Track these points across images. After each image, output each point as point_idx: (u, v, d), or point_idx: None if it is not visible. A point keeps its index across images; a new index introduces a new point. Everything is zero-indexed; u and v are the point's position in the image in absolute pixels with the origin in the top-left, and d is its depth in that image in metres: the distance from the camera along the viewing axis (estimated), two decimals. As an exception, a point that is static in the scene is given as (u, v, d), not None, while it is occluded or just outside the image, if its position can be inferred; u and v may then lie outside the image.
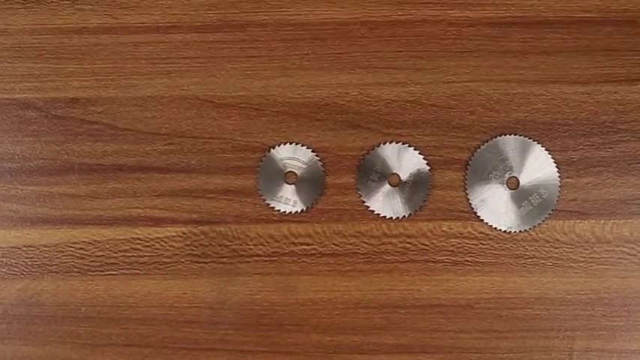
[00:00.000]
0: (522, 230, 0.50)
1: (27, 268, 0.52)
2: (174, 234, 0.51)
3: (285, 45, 0.51)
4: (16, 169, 0.52)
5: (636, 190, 0.50)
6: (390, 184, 0.51)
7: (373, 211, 0.51)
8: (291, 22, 0.51)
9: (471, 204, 0.51)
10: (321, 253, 0.51)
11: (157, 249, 0.51)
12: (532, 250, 0.50)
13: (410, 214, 0.51)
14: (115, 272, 0.51)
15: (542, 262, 0.50)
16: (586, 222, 0.50)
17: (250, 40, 0.51)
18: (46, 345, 0.51)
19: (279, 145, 0.51)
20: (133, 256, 0.51)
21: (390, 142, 0.51)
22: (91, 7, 0.52)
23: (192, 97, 0.51)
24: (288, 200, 0.51)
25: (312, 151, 0.51)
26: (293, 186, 0.51)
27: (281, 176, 0.51)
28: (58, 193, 0.52)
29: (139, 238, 0.51)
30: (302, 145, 0.51)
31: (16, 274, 0.52)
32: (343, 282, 0.51)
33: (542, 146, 0.50)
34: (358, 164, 0.51)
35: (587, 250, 0.50)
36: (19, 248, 0.52)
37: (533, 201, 0.50)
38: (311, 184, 0.51)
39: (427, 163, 0.51)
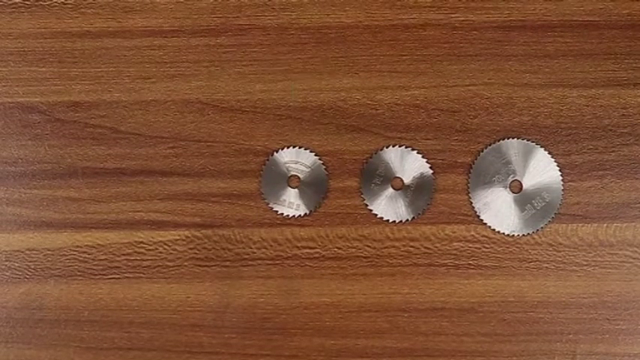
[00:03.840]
0: (525, 234, 0.50)
1: (30, 272, 0.52)
2: (178, 238, 0.51)
3: (289, 49, 0.51)
4: (20, 172, 0.52)
5: (639, 193, 0.50)
6: (394, 188, 0.51)
7: (376, 214, 0.51)
8: (295, 26, 0.51)
9: (474, 207, 0.51)
10: (325, 257, 0.51)
11: (160, 253, 0.51)
12: (535, 254, 0.50)
13: (413, 217, 0.51)
14: (118, 276, 0.51)
15: (545, 265, 0.50)
16: (589, 225, 0.50)
17: (254, 44, 0.51)
18: (49, 348, 0.51)
19: (282, 149, 0.51)
20: (136, 259, 0.51)
21: (394, 146, 0.51)
22: (94, 11, 0.52)
23: (195, 101, 0.51)
24: (291, 204, 0.51)
25: (316, 155, 0.51)
26: (296, 190, 0.51)
27: (284, 180, 0.51)
28: (61, 197, 0.52)
29: (142, 242, 0.51)
30: (305, 149, 0.51)
31: (19, 278, 0.52)
32: (346, 285, 0.51)
33: (545, 150, 0.51)
34: (361, 168, 0.51)
35: (590, 253, 0.50)
36: (22, 252, 0.52)
37: (536, 204, 0.50)
38: (314, 187, 0.51)
39: (430, 167, 0.51)
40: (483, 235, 0.51)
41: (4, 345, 0.52)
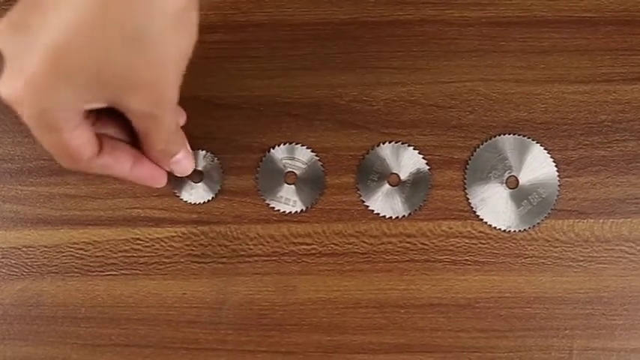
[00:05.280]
0: (522, 229, 0.50)
1: (27, 269, 0.52)
2: (174, 234, 0.51)
3: (285, 45, 0.51)
4: (16, 169, 0.52)
5: (635, 189, 0.50)
6: (390, 184, 0.51)
7: (373, 210, 0.51)
8: (291, 23, 0.51)
9: (470, 203, 0.51)
10: (321, 253, 0.51)
11: (157, 249, 0.51)
12: (531, 250, 0.51)
13: (409, 213, 0.51)
14: (115, 272, 0.51)
15: (542, 261, 0.50)
16: (585, 221, 0.50)
17: (250, 40, 0.51)
18: (46, 345, 0.51)
19: (278, 146, 0.51)
20: (133, 256, 0.51)
21: (390, 142, 0.51)
22: (90, 7, 0.52)
23: (192, 97, 0.51)
24: (287, 200, 0.51)
25: (312, 151, 0.51)
26: (293, 186, 0.51)
27: (281, 176, 0.51)
28: (57, 194, 0.52)
29: (138, 239, 0.51)
30: (302, 146, 0.51)
31: (16, 275, 0.52)
32: (343, 282, 0.51)
33: (541, 145, 0.51)
34: (358, 164, 0.51)
35: (587, 249, 0.50)
36: (18, 249, 0.52)
37: (532, 200, 0.50)
38: (311, 184, 0.51)
39: (426, 163, 0.51)
40: (480, 231, 0.51)
41: (1, 342, 0.52)
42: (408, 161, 0.51)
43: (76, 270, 0.51)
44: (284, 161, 0.51)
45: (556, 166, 0.51)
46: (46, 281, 0.52)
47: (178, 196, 0.51)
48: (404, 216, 0.51)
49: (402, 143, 0.51)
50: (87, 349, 0.51)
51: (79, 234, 0.52)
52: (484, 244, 0.51)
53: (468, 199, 0.51)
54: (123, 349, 0.51)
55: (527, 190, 0.51)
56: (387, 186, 0.51)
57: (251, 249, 0.51)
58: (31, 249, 0.52)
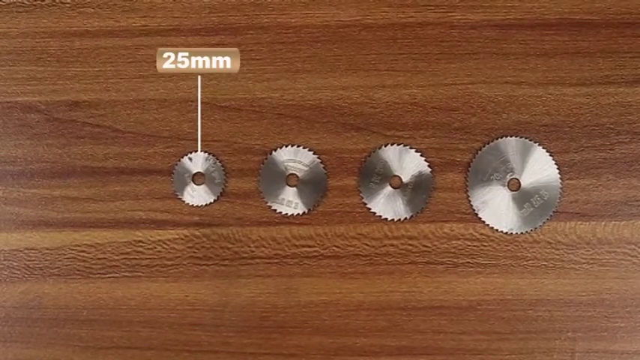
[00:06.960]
0: (523, 232, 0.51)
1: (29, 271, 0.52)
2: (176, 236, 0.51)
3: (287, 48, 0.51)
4: (18, 172, 0.52)
5: (637, 191, 0.50)
6: (392, 186, 0.51)
7: (375, 213, 0.51)
8: (293, 25, 0.51)
9: (472, 206, 0.51)
10: (323, 255, 0.51)
11: (159, 251, 0.51)
12: (533, 252, 0.51)
13: (411, 215, 0.51)
14: (116, 275, 0.51)
15: (544, 263, 0.50)
16: (587, 223, 0.51)
17: (252, 42, 0.51)
18: (47, 348, 0.51)
19: (280, 148, 0.51)
20: (135, 258, 0.51)
21: (392, 145, 0.51)
22: (92, 10, 0.52)
23: (194, 100, 0.51)
24: (289, 202, 0.51)
25: (314, 154, 0.51)
26: (295, 188, 0.51)
27: (283, 178, 0.51)
28: (60, 196, 0.52)
29: (140, 241, 0.51)
30: (304, 148, 0.51)
31: (18, 277, 0.52)
32: (345, 284, 0.51)
33: (543, 148, 0.51)
34: (360, 166, 0.51)
35: (589, 251, 0.50)
36: (20, 251, 0.52)
37: (534, 202, 0.50)
38: (313, 186, 0.51)
39: (428, 165, 0.51)
40: (482, 233, 0.51)
41: (3, 344, 0.52)
42: (409, 163, 0.51)
43: (77, 272, 0.51)
44: (286, 163, 0.51)
45: (558, 168, 0.51)
46: (47, 283, 0.51)
47: (180, 199, 0.51)
48: (406, 218, 0.51)
49: (404, 145, 0.51)
50: (89, 351, 0.51)
51: (80, 236, 0.52)
52: (486, 246, 0.51)
53: (469, 201, 0.51)
54: (125, 352, 0.51)
55: (529, 193, 0.51)
56: (389, 188, 0.51)
57: (253, 251, 0.51)
58: (32, 251, 0.52)
